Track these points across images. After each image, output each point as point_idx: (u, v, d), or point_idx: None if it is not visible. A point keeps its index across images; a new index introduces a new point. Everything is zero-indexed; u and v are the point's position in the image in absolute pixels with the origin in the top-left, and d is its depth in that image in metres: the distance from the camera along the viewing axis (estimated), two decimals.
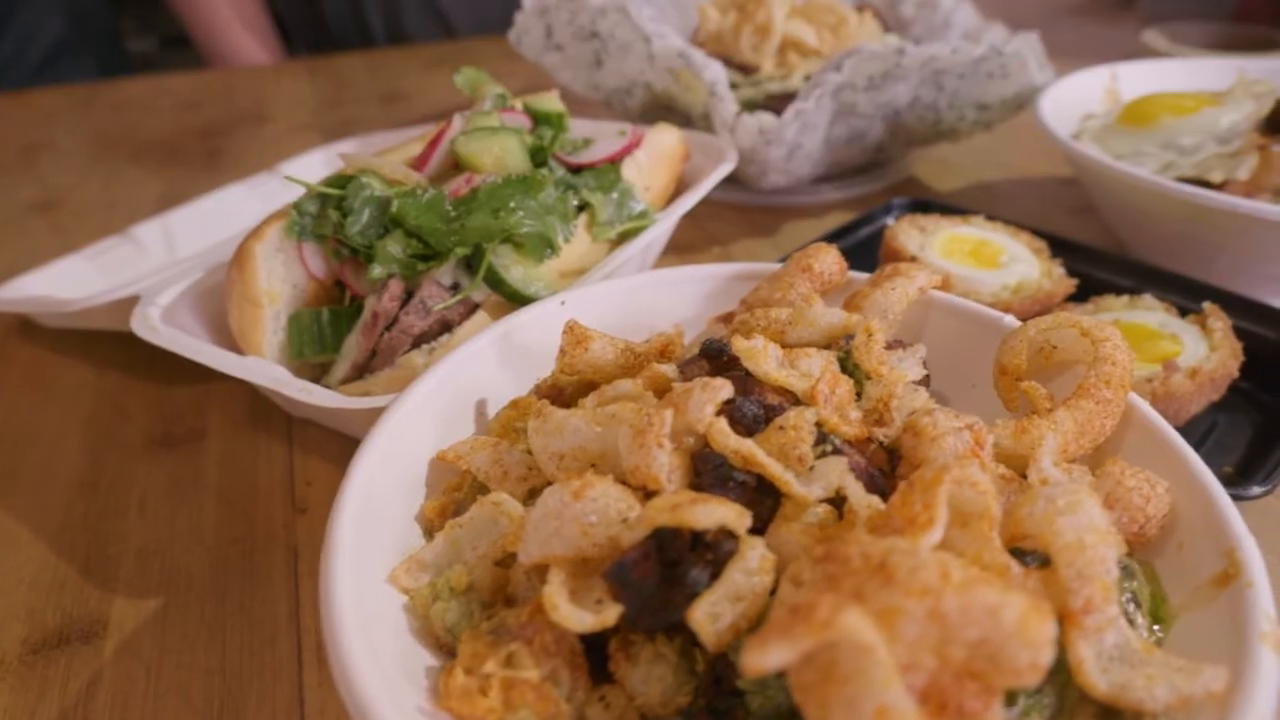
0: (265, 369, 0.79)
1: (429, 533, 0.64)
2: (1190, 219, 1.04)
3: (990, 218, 1.10)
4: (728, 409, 0.61)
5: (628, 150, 1.08)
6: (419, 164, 0.96)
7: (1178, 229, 1.07)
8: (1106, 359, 0.63)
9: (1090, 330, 0.65)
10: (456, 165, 0.98)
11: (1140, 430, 0.63)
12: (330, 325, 0.88)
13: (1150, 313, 0.93)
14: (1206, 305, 0.90)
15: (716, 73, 1.23)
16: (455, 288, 0.88)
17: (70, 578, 0.80)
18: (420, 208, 0.86)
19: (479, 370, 0.74)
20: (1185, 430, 0.88)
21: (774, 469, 0.55)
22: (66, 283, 1.15)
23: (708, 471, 0.56)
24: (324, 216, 0.88)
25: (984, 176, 1.54)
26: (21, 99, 2.01)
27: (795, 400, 0.62)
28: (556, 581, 0.52)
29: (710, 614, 0.48)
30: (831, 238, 1.20)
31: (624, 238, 1.03)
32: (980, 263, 1.03)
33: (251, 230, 0.88)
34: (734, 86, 1.46)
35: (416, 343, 0.86)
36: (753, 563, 0.50)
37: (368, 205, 0.87)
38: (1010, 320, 0.75)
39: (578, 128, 1.13)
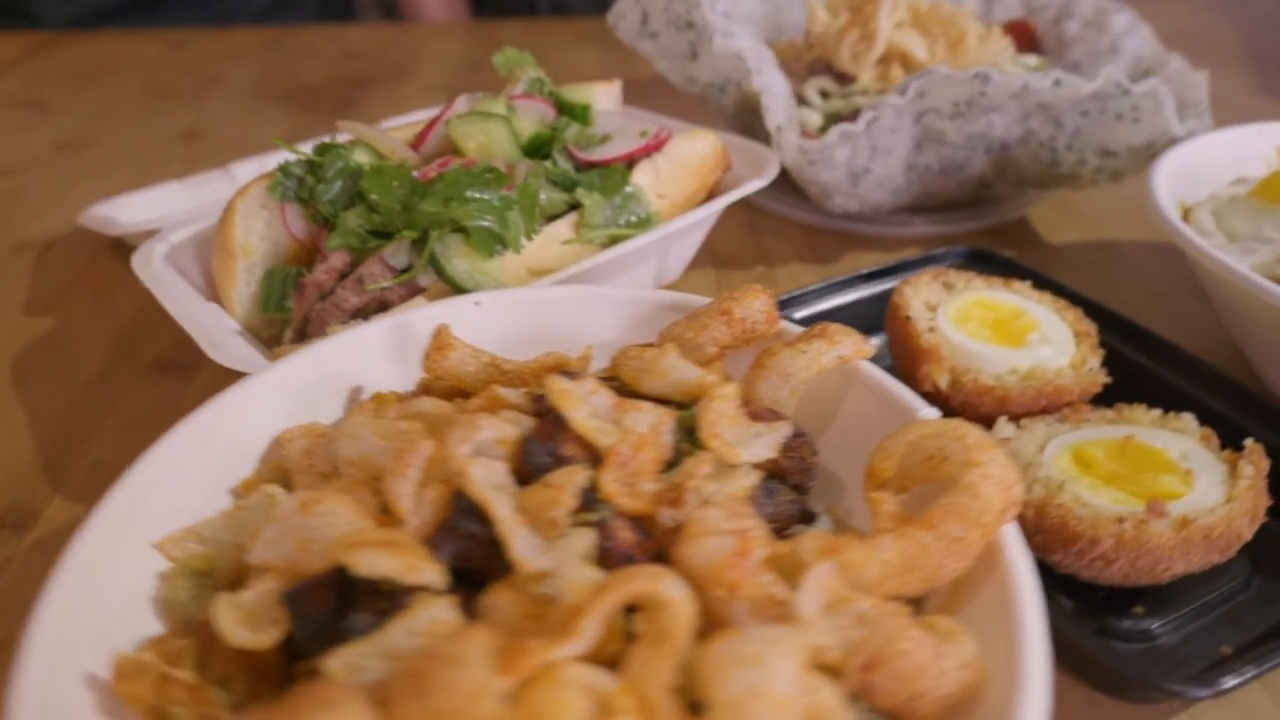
0: (200, 315, 0.84)
1: None
2: None
3: (1039, 285, 0.94)
4: (521, 450, 0.57)
5: (644, 152, 1.03)
6: (417, 142, 0.97)
7: (1276, 336, 0.86)
8: (968, 489, 0.52)
9: (970, 449, 0.54)
10: (457, 149, 0.98)
11: (997, 584, 0.52)
12: (294, 285, 0.92)
13: (1178, 437, 0.75)
14: (1248, 443, 0.72)
15: (768, 80, 1.14)
16: (409, 269, 0.89)
17: (35, 471, 0.90)
18: (383, 185, 0.87)
19: (363, 357, 0.74)
20: (1197, 586, 0.71)
21: (504, 527, 0.50)
22: (158, 206, 1.29)
23: (452, 513, 0.53)
24: (305, 181, 0.92)
25: (1107, 233, 1.31)
26: (221, 34, 2.26)
27: (597, 456, 0.57)
28: (260, 588, 0.51)
29: (351, 665, 0.45)
30: (870, 276, 1.09)
31: (616, 242, 0.98)
32: (999, 337, 0.88)
33: (243, 186, 0.94)
34: (825, 96, 1.35)
35: (356, 318, 0.87)
36: (421, 624, 0.46)
37: (340, 176, 0.89)
38: (928, 413, 0.64)
39: (605, 123, 1.09)
